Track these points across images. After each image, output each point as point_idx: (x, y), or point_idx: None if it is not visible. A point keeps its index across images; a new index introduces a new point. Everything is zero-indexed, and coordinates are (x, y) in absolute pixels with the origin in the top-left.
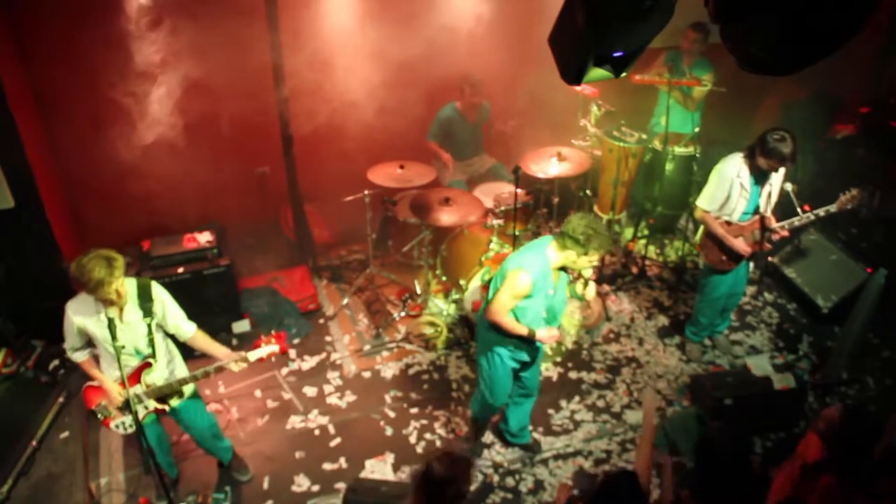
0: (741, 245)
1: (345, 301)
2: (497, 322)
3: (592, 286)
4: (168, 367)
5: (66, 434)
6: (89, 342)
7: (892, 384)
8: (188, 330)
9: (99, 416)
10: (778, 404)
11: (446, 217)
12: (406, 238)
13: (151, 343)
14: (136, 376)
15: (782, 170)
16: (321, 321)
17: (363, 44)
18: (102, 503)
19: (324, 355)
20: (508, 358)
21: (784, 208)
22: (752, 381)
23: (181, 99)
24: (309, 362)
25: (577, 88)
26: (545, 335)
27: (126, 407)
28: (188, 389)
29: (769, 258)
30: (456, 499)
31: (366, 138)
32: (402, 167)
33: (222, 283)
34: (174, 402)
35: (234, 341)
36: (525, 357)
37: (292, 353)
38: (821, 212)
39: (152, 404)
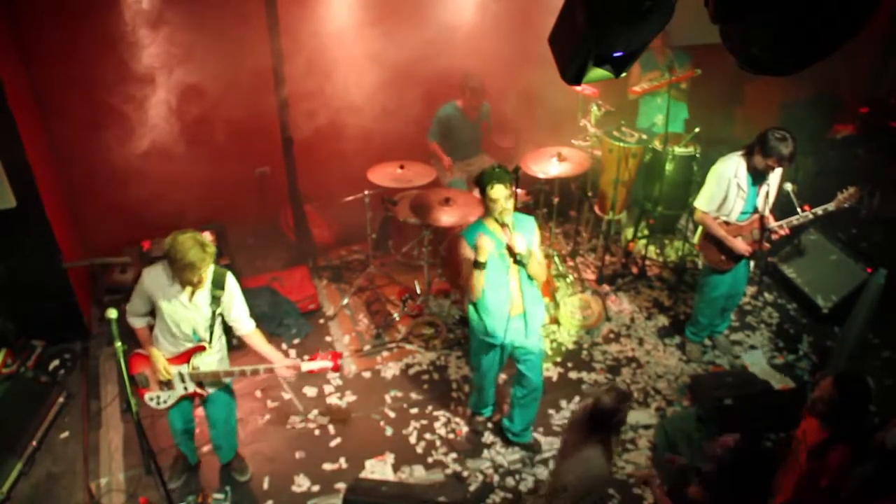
0: (741, 245)
1: (345, 301)
2: (465, 285)
3: (515, 237)
4: (217, 355)
5: (66, 434)
6: (151, 312)
7: (892, 384)
8: (248, 326)
9: (139, 384)
10: (778, 404)
11: (446, 217)
12: (406, 238)
13: (211, 329)
14: (186, 356)
15: (780, 169)
16: (321, 321)
17: (363, 45)
18: (102, 503)
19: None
20: (482, 333)
21: (784, 208)
22: (752, 381)
23: (181, 100)
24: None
25: (577, 88)
26: (480, 241)
27: (166, 384)
28: (226, 382)
29: (769, 258)
30: (618, 426)
31: (366, 138)
32: (402, 167)
33: None
34: (211, 389)
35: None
36: (494, 336)
37: (292, 353)
38: (819, 210)
39: (192, 387)
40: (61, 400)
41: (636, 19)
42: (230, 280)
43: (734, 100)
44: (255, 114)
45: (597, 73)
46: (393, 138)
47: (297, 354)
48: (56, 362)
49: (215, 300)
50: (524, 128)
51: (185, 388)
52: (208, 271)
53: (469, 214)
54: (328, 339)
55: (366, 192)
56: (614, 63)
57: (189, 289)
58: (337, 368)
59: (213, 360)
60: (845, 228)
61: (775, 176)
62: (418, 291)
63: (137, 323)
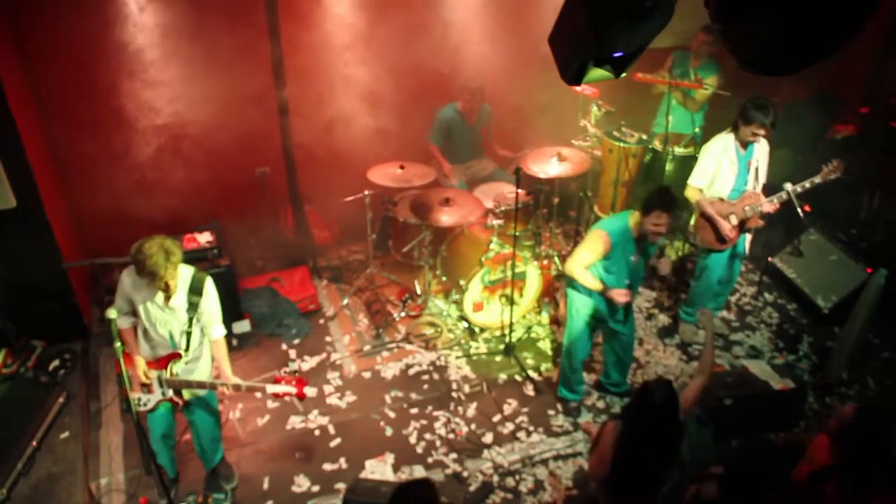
0: (726, 226)
1: (345, 301)
2: (571, 273)
3: (665, 261)
4: (190, 365)
5: (66, 434)
6: (134, 312)
7: (892, 384)
8: (216, 332)
9: (125, 382)
10: (778, 404)
11: (446, 217)
12: (406, 238)
13: (188, 336)
14: (165, 362)
15: (766, 144)
16: (321, 321)
17: (363, 47)
18: (102, 503)
19: (324, 356)
20: (584, 306)
21: (784, 208)
22: (752, 381)
23: (181, 100)
24: (309, 362)
25: (577, 88)
26: (616, 293)
27: (146, 387)
28: (202, 394)
29: (769, 258)
30: None
31: (365, 139)
32: (402, 167)
33: (222, 283)
34: (188, 396)
35: (234, 341)
36: (601, 311)
37: (292, 353)
38: (806, 183)
39: (169, 393)
40: (61, 400)
41: (636, 19)
42: (209, 285)
43: (734, 99)
44: (256, 114)
45: (597, 73)
46: (393, 139)
47: (296, 355)
48: (56, 362)
49: (192, 306)
50: (524, 128)
51: (163, 394)
52: (180, 276)
53: (469, 215)
54: (328, 339)
55: (366, 192)
56: (614, 63)
57: (163, 294)
58: (302, 396)
59: (191, 368)
60: (845, 228)
61: (763, 152)
62: (418, 291)
63: (123, 323)
